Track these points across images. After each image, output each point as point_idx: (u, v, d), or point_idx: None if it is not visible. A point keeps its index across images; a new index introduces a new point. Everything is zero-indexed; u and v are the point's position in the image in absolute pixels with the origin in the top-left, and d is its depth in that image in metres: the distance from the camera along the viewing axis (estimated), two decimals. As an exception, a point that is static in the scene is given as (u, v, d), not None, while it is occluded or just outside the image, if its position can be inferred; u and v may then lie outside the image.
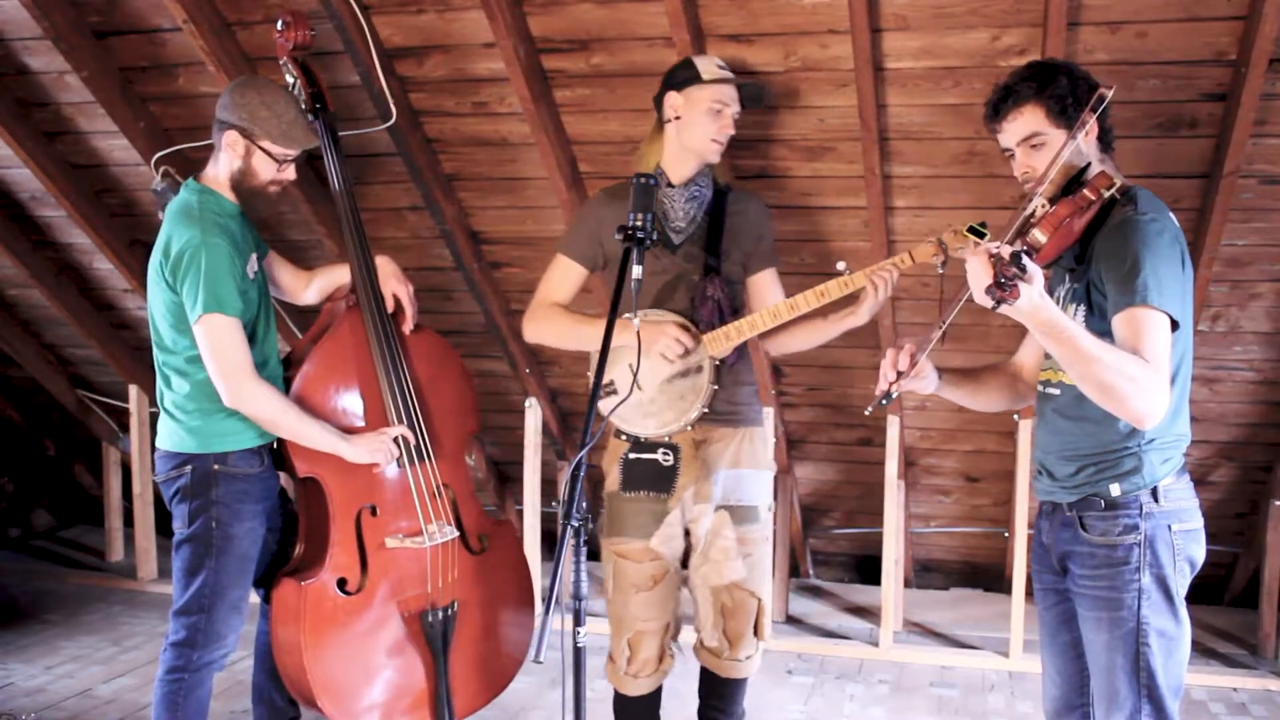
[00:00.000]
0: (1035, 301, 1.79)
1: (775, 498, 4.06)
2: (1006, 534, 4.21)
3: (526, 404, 4.15)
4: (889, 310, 3.52)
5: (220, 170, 2.68)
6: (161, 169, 3.42)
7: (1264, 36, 2.63)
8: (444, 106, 3.37)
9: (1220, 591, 4.33)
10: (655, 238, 2.37)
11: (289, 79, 2.92)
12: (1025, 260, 1.74)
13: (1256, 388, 3.62)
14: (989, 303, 1.77)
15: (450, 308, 4.01)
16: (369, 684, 2.80)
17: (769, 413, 3.97)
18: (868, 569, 4.60)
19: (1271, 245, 3.20)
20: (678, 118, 2.67)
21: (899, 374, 2.15)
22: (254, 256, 2.72)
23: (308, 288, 2.95)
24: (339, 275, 2.93)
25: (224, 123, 2.64)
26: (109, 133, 3.63)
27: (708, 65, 2.68)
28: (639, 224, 2.31)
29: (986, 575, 4.52)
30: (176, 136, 3.57)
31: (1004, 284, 1.73)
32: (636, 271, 2.29)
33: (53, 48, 3.31)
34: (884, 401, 2.16)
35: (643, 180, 2.40)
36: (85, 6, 3.29)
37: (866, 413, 2.26)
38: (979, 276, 1.78)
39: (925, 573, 4.63)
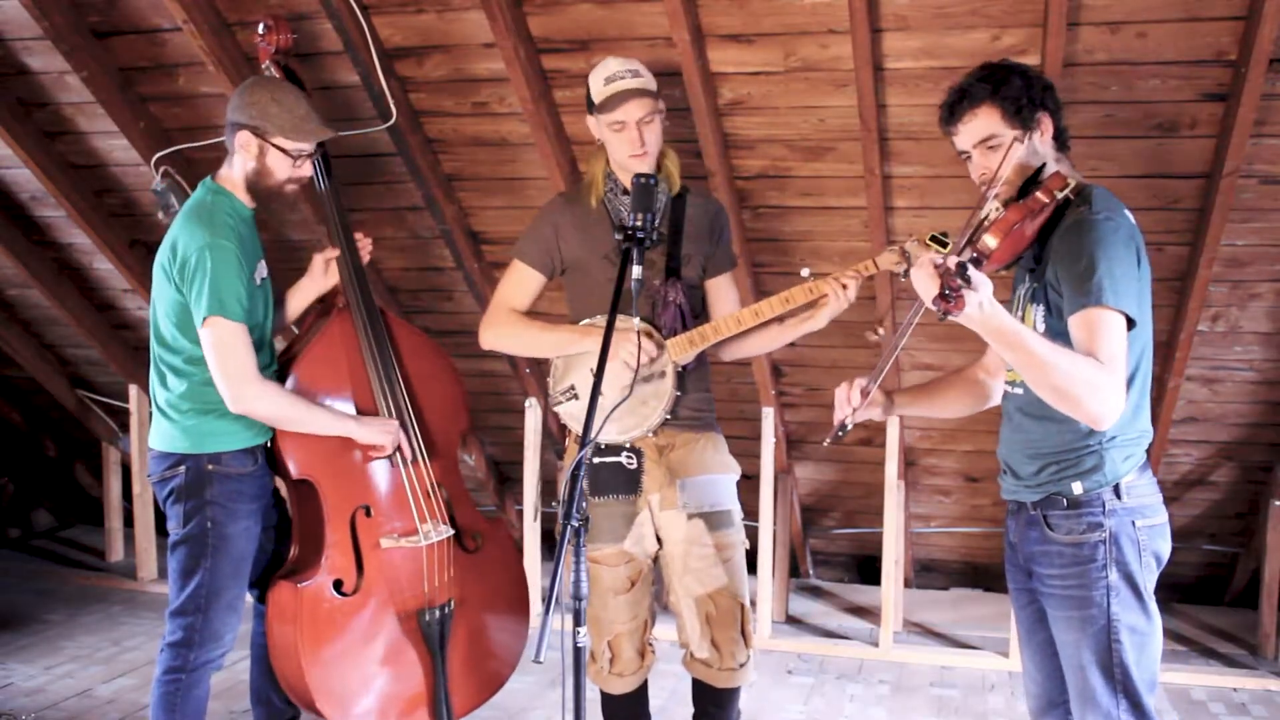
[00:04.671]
0: (986, 310, 1.80)
1: (775, 498, 4.10)
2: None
3: (526, 404, 4.15)
4: (889, 311, 3.52)
5: (235, 172, 2.66)
6: (161, 169, 3.42)
7: (1264, 36, 2.63)
8: (444, 106, 3.37)
9: (1220, 591, 4.33)
10: (656, 238, 2.36)
11: None
12: (970, 271, 1.75)
13: (1256, 388, 3.62)
14: (938, 313, 1.79)
15: (450, 308, 4.01)
16: (367, 685, 2.80)
17: (769, 412, 3.97)
18: (868, 569, 4.60)
19: (1271, 245, 3.20)
20: (600, 140, 2.65)
21: (853, 408, 2.20)
22: (261, 263, 2.71)
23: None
24: (307, 291, 2.91)
25: (235, 124, 2.62)
26: (109, 133, 3.63)
27: (596, 85, 2.58)
28: (639, 224, 2.30)
29: (986, 575, 4.52)
30: (176, 136, 3.57)
31: (948, 295, 1.75)
32: (636, 271, 2.27)
33: (53, 48, 3.31)
34: (840, 433, 2.21)
35: (643, 180, 2.39)
36: (85, 6, 3.29)
37: (825, 444, 2.31)
38: (926, 288, 1.80)
39: (925, 573, 4.63)
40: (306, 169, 2.70)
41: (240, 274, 2.56)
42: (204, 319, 2.53)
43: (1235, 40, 2.74)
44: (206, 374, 2.60)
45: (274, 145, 2.62)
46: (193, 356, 2.61)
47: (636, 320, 2.49)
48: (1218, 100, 2.88)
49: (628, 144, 2.58)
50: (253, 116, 2.60)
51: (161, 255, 2.61)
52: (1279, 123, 2.91)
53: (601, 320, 2.57)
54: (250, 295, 2.60)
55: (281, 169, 2.65)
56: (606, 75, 2.58)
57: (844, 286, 2.52)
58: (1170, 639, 4.01)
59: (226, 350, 2.55)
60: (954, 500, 4.31)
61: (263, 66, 2.93)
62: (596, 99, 2.58)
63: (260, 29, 2.90)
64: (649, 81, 2.59)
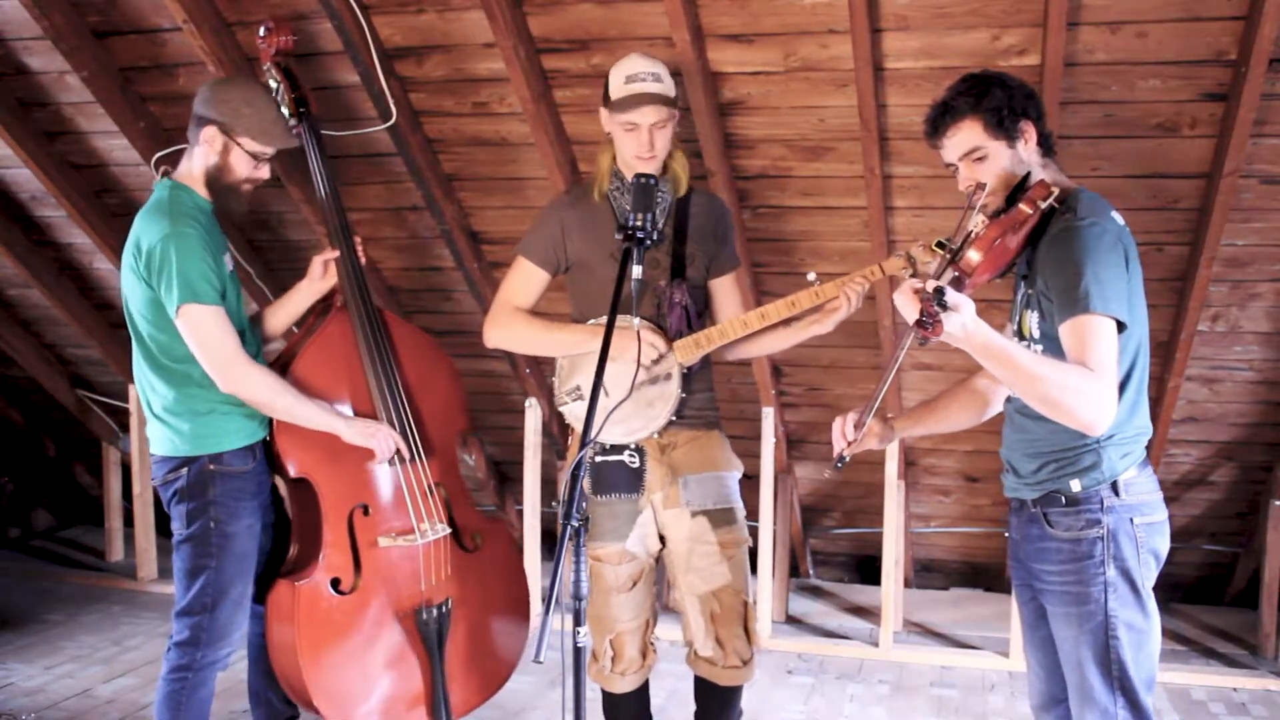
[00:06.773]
0: (969, 329, 1.82)
1: (775, 497, 4.10)
2: (1006, 534, 4.20)
3: (526, 404, 4.15)
4: (889, 312, 3.52)
5: (195, 166, 2.68)
6: (161, 169, 3.41)
7: (1264, 36, 2.63)
8: (444, 106, 3.37)
9: (1220, 591, 4.33)
10: (658, 237, 2.36)
11: (272, 83, 2.94)
12: (947, 295, 1.77)
13: (1256, 388, 3.62)
14: (917, 339, 1.81)
15: (450, 308, 4.01)
16: (365, 683, 2.81)
17: (769, 412, 3.97)
18: (868, 569, 4.60)
19: (1271, 245, 3.20)
20: (610, 134, 2.63)
21: (849, 441, 2.22)
22: (227, 256, 2.71)
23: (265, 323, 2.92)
24: (306, 293, 2.91)
25: (203, 118, 2.64)
26: (109, 133, 3.63)
27: (617, 81, 2.55)
28: (639, 224, 2.30)
29: (986, 575, 4.52)
30: (176, 136, 3.56)
31: (925, 322, 1.77)
32: (636, 271, 2.27)
33: (53, 48, 3.31)
34: (839, 465, 2.23)
35: (643, 180, 2.39)
36: (85, 6, 3.28)
37: (825, 475, 2.33)
38: (907, 311, 1.83)
39: (925, 573, 4.63)
40: (265, 171, 2.72)
41: (205, 258, 2.56)
42: (177, 308, 2.53)
43: (1235, 40, 2.74)
44: (193, 372, 2.61)
45: (239, 144, 2.64)
46: (174, 353, 2.61)
47: (636, 320, 2.49)
48: (1218, 100, 2.88)
49: (636, 146, 2.56)
50: (223, 114, 2.62)
51: (127, 254, 2.62)
52: (1279, 123, 2.91)
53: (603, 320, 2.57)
54: (221, 278, 2.61)
55: (242, 168, 2.67)
56: (628, 74, 2.55)
57: (853, 293, 2.52)
58: (1170, 639, 4.01)
59: (206, 334, 2.56)
60: (954, 500, 4.31)
61: (264, 68, 2.95)
62: (614, 95, 2.55)
63: (261, 31, 2.93)
64: (668, 87, 2.57)
